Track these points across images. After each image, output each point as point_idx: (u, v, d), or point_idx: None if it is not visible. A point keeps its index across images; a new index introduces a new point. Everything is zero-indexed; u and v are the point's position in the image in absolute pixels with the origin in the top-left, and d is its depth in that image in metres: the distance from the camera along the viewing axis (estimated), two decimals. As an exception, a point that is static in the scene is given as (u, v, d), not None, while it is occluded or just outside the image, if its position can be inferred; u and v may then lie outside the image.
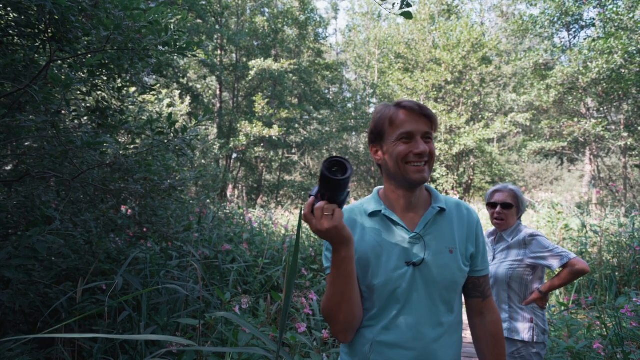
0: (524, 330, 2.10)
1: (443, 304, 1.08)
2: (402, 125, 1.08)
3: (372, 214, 1.14)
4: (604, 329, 3.23)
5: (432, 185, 18.40)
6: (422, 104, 1.09)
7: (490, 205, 2.27)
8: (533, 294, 2.13)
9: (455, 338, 1.11)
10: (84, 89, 2.63)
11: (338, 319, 1.03)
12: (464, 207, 1.18)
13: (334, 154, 24.19)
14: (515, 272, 2.14)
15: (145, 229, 3.13)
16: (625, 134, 15.15)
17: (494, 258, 2.27)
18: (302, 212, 0.95)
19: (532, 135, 19.21)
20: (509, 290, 2.17)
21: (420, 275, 1.07)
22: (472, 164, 19.93)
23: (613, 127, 16.38)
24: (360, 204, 1.19)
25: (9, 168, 2.85)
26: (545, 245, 2.10)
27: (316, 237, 5.31)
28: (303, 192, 19.43)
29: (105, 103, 2.75)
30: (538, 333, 2.09)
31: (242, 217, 7.50)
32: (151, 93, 3.18)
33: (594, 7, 15.68)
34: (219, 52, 18.64)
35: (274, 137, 17.45)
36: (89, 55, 2.18)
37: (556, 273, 2.14)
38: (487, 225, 8.85)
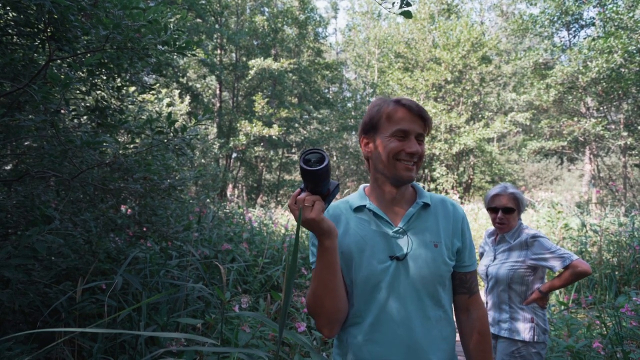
0: (524, 330, 2.09)
1: (429, 297, 1.09)
2: (399, 122, 1.09)
3: (357, 209, 1.16)
4: (604, 328, 3.23)
5: (432, 185, 18.42)
6: (420, 105, 1.11)
7: (492, 210, 2.26)
8: (533, 294, 2.12)
9: (447, 334, 1.11)
10: (83, 88, 2.62)
11: (322, 312, 1.03)
12: (449, 202, 1.20)
13: (333, 153, 24.19)
14: (516, 272, 2.13)
15: (144, 229, 3.12)
16: (625, 133, 15.15)
17: (494, 258, 2.27)
18: (287, 203, 0.98)
19: (531, 135, 19.21)
20: (509, 290, 2.17)
21: (403, 270, 1.08)
22: (472, 163, 19.93)
23: (613, 127, 16.38)
24: (346, 200, 1.22)
25: (8, 167, 2.85)
26: (547, 246, 2.09)
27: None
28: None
29: (104, 102, 2.74)
30: (539, 333, 2.09)
31: (241, 217, 7.50)
32: (151, 92, 3.18)
33: (594, 7, 15.67)
34: (218, 51, 18.63)
35: (273, 137, 17.45)
36: (88, 55, 2.17)
37: (557, 273, 2.14)
38: (487, 225, 8.85)
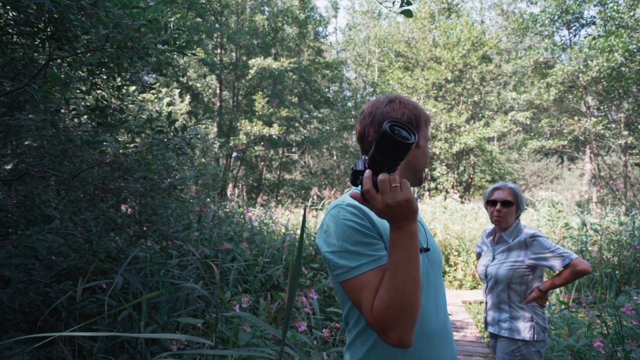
0: (524, 329, 2.09)
1: (442, 284, 1.15)
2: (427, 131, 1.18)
3: None
4: (605, 328, 3.23)
5: (433, 184, 18.42)
6: None
7: (490, 203, 2.26)
8: (533, 293, 2.12)
9: None
10: (84, 88, 2.62)
11: (409, 316, 0.84)
12: None
13: (334, 152, 24.17)
14: (516, 272, 2.13)
15: (145, 228, 3.12)
16: (626, 133, 15.15)
17: (493, 258, 2.26)
18: (363, 188, 0.83)
19: (532, 134, 19.21)
20: (509, 290, 2.17)
21: (428, 261, 1.08)
22: (472, 162, 19.93)
23: (613, 126, 16.37)
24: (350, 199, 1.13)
25: (8, 167, 2.85)
26: (546, 246, 2.09)
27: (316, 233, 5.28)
28: (303, 191, 19.43)
29: (104, 102, 2.74)
30: (538, 331, 2.09)
31: (242, 216, 7.50)
32: (151, 92, 3.17)
33: (595, 5, 15.66)
34: (218, 50, 18.63)
35: (274, 136, 17.45)
36: (89, 54, 2.17)
37: (557, 272, 2.14)
38: (487, 224, 8.85)
